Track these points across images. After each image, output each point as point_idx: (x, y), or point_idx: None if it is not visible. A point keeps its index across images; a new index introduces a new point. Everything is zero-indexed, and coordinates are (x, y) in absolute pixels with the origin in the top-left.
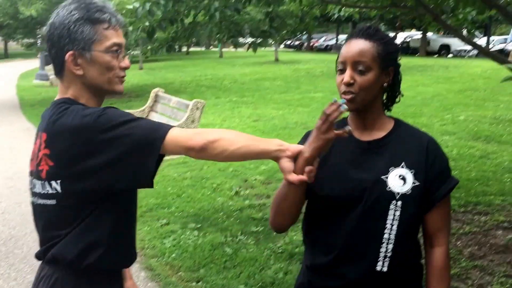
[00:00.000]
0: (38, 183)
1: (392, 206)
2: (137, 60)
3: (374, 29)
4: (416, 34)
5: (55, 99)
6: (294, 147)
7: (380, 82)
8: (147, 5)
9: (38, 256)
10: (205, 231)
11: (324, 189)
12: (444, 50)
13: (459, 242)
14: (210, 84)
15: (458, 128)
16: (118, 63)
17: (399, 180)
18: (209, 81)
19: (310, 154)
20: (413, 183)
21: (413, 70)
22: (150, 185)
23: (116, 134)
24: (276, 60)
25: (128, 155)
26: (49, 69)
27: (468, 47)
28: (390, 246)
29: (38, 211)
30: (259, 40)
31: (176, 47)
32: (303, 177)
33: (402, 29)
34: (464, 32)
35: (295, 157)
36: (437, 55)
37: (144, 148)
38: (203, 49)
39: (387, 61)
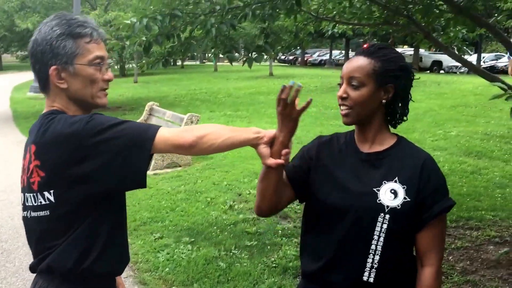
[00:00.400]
0: (30, 196)
1: (380, 219)
2: (131, 74)
3: (376, 46)
4: (409, 51)
5: (43, 112)
6: (270, 132)
7: (377, 98)
8: (144, 20)
9: (32, 268)
10: (198, 245)
11: (320, 195)
12: (436, 66)
13: (451, 257)
14: (205, 98)
15: (449, 144)
16: (101, 75)
17: (390, 194)
18: (203, 95)
19: (284, 137)
20: (404, 198)
21: None
22: (143, 185)
23: (106, 138)
24: (271, 74)
25: (119, 157)
26: None
27: (460, 64)
28: (377, 258)
29: (32, 225)
30: (254, 55)
31: (171, 60)
32: (280, 160)
33: (394, 45)
34: (455, 49)
35: (271, 143)
36: (429, 71)
37: (135, 149)
38: (197, 63)
39: (385, 78)
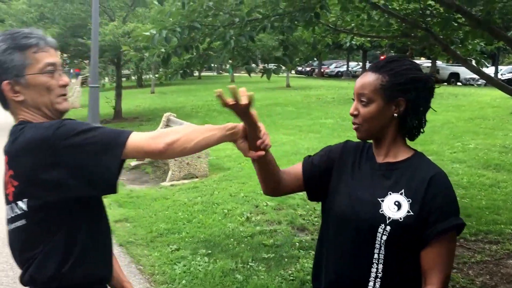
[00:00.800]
0: (8, 208)
1: (380, 229)
2: (149, 84)
3: (386, 60)
4: (426, 63)
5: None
6: (242, 125)
7: (387, 113)
8: (164, 32)
9: (20, 280)
10: (215, 257)
11: (331, 200)
12: (453, 78)
13: (470, 271)
14: (222, 108)
15: (468, 156)
16: (56, 82)
17: (394, 205)
18: (220, 105)
19: (249, 131)
20: (408, 212)
21: None
22: (114, 190)
23: (77, 143)
24: (288, 86)
25: (90, 163)
26: None
27: (477, 76)
28: (381, 267)
29: (12, 237)
30: (272, 67)
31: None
32: (259, 152)
33: (412, 57)
34: (473, 62)
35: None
36: (446, 83)
37: (105, 155)
38: (214, 74)
39: (394, 92)
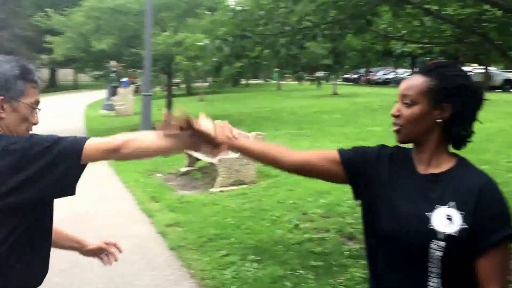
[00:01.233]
0: None
1: (433, 246)
2: (197, 92)
3: (436, 64)
4: (478, 69)
5: None
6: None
7: (431, 118)
8: (216, 42)
9: None
10: (264, 263)
11: (370, 214)
12: (508, 85)
13: None
14: (269, 116)
15: None
16: (32, 118)
17: (445, 219)
18: (267, 113)
19: (205, 137)
20: (461, 225)
21: None
22: (72, 192)
23: (40, 151)
24: (334, 93)
25: (52, 167)
26: (116, 100)
27: None
28: (439, 281)
29: None
30: (322, 74)
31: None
32: (224, 147)
33: (463, 64)
34: None
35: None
36: (500, 90)
37: (66, 159)
38: (261, 81)
39: (441, 96)
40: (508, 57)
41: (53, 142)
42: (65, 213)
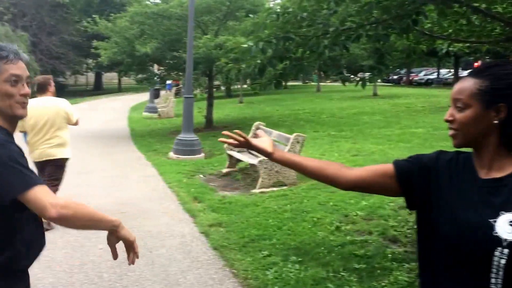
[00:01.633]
0: None
1: (497, 253)
2: (237, 94)
3: (486, 65)
4: None
5: None
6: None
7: (486, 120)
8: (260, 44)
9: None
10: (306, 265)
11: (435, 224)
12: None
13: None
14: (308, 118)
15: None
16: (17, 90)
17: (509, 226)
18: (307, 114)
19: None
20: None
21: None
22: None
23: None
24: (375, 94)
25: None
26: (158, 102)
27: None
28: None
29: None
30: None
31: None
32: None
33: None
34: None
35: None
36: None
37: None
38: (300, 83)
39: (494, 97)
40: None
41: (7, 165)
42: (114, 212)
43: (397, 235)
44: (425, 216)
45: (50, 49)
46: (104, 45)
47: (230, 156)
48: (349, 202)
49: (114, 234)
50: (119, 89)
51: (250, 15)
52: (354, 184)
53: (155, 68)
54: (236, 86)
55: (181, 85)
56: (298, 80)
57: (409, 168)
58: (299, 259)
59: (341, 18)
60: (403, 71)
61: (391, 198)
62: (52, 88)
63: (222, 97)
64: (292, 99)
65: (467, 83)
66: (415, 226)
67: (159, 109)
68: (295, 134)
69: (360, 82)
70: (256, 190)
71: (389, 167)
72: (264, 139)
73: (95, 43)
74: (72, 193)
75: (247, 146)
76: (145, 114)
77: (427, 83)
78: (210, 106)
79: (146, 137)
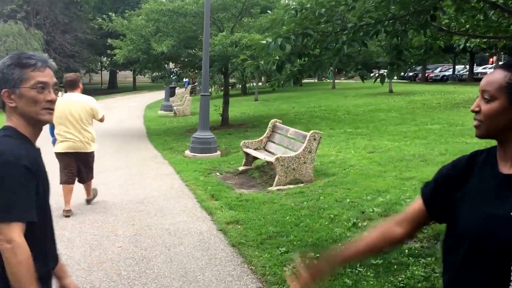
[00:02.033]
0: None
1: None
2: (252, 92)
3: None
4: None
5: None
6: None
7: (510, 114)
8: (279, 40)
9: None
10: None
11: (458, 219)
12: None
13: None
14: (324, 115)
15: None
16: (44, 97)
17: None
18: (322, 112)
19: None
20: None
21: None
22: None
23: None
24: (390, 91)
25: None
26: (173, 101)
27: None
28: None
29: None
30: (385, 72)
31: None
32: None
33: None
34: None
35: None
36: None
37: None
38: (315, 80)
39: None
40: None
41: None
42: (132, 210)
43: None
44: (451, 217)
45: (64, 47)
46: (119, 43)
47: (247, 154)
48: (366, 199)
49: None
50: (134, 88)
51: (268, 11)
52: (401, 240)
53: (171, 66)
54: (251, 84)
55: (196, 83)
56: (313, 78)
57: (433, 197)
58: (317, 255)
59: (359, 14)
60: (418, 68)
61: (408, 194)
62: (81, 85)
63: (238, 95)
64: (307, 96)
65: (497, 75)
66: (431, 222)
67: (174, 108)
68: (312, 131)
69: (379, 78)
70: (273, 188)
71: (419, 203)
72: (319, 266)
73: (110, 41)
74: None
75: (313, 281)
76: (161, 112)
77: (443, 80)
78: (226, 104)
79: (162, 136)
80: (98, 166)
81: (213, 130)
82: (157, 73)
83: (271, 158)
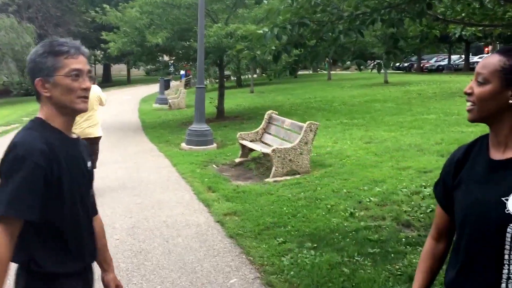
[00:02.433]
0: None
1: (509, 230)
2: (247, 84)
3: None
4: None
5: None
6: None
7: (502, 98)
8: (275, 30)
9: None
10: (321, 250)
11: (455, 204)
12: None
13: None
14: (320, 106)
15: None
16: (79, 85)
17: None
18: (318, 103)
19: None
20: None
21: None
22: None
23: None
24: (386, 82)
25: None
26: (168, 94)
27: None
28: None
29: None
30: (382, 61)
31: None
32: None
33: None
34: None
35: None
36: None
37: None
38: (310, 72)
39: None
40: None
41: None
42: (129, 203)
43: (410, 220)
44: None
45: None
46: (113, 37)
47: (243, 146)
48: (363, 189)
49: None
50: (128, 81)
51: (264, 1)
52: (447, 249)
53: (165, 58)
54: (246, 76)
55: (191, 75)
56: (308, 69)
57: (445, 195)
58: (314, 245)
59: (355, 3)
60: (414, 59)
61: (404, 183)
62: None
63: (233, 87)
64: (303, 88)
65: (492, 59)
66: (428, 211)
67: (169, 100)
68: (308, 122)
69: (376, 67)
70: (270, 179)
71: (441, 216)
72: None
73: (104, 34)
74: None
75: None
76: (156, 105)
77: (438, 70)
78: (221, 96)
79: (158, 129)
80: None
81: (209, 122)
82: (151, 66)
83: (268, 150)
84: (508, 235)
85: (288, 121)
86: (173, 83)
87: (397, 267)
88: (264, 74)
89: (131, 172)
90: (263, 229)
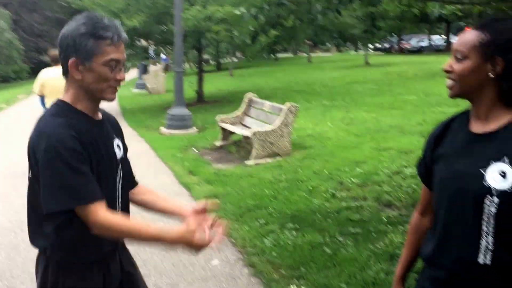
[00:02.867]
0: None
1: (487, 201)
2: (227, 68)
3: (491, 19)
4: None
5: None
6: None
7: (482, 72)
8: (253, 10)
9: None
10: (303, 231)
11: (433, 177)
12: None
13: None
14: (300, 89)
15: None
16: (113, 75)
17: (498, 175)
18: (299, 86)
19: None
20: None
21: None
22: (46, 211)
23: (41, 163)
24: (366, 63)
25: (45, 186)
26: (146, 79)
27: None
28: (491, 239)
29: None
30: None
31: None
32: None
33: None
34: None
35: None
36: None
37: (60, 190)
38: (290, 55)
39: (492, 50)
40: None
41: (68, 166)
42: None
43: (392, 200)
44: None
45: (32, 26)
46: None
47: (223, 129)
48: (344, 170)
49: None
50: None
51: None
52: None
53: (143, 43)
54: (225, 60)
55: (170, 60)
56: (288, 52)
57: (427, 171)
58: (296, 226)
59: None
60: (394, 40)
61: (385, 164)
62: None
63: (212, 71)
64: (283, 71)
65: (469, 35)
66: (409, 190)
67: (148, 86)
68: (287, 103)
69: (354, 47)
70: (251, 162)
71: (426, 191)
72: None
73: None
74: None
75: None
76: (135, 91)
77: (419, 51)
78: (200, 80)
79: (137, 114)
80: None
81: (189, 106)
82: (130, 51)
83: (248, 133)
84: (485, 206)
85: (268, 103)
86: (151, 68)
87: (379, 246)
88: (243, 57)
89: None
90: (244, 211)
